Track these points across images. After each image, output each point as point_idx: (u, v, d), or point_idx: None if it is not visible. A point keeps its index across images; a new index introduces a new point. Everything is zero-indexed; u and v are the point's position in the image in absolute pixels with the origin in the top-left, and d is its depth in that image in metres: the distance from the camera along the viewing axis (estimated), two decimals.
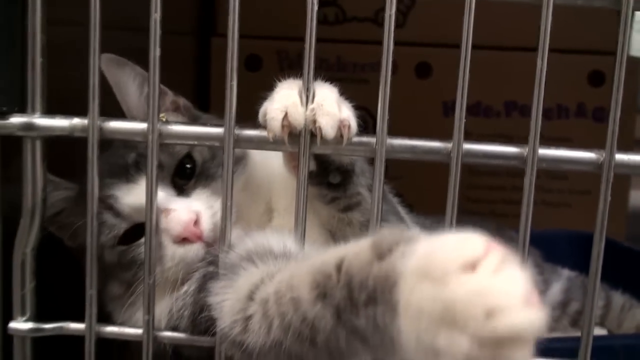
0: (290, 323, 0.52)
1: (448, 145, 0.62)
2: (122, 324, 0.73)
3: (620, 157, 0.62)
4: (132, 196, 0.74)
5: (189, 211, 0.72)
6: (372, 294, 0.47)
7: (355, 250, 0.50)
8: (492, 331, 0.39)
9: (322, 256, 0.54)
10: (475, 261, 0.41)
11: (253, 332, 0.56)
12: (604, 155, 0.61)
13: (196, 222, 0.71)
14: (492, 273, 0.40)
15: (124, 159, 0.76)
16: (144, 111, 0.74)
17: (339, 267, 0.50)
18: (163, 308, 0.71)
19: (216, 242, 0.69)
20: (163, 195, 0.72)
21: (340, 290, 0.49)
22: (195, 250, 0.71)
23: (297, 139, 0.62)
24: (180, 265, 0.71)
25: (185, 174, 0.76)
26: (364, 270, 0.48)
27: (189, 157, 0.76)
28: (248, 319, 0.57)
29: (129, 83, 0.79)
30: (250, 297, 0.58)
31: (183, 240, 0.71)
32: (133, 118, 0.78)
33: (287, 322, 0.53)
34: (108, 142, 0.75)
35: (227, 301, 0.60)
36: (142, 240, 0.74)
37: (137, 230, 0.74)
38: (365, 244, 0.50)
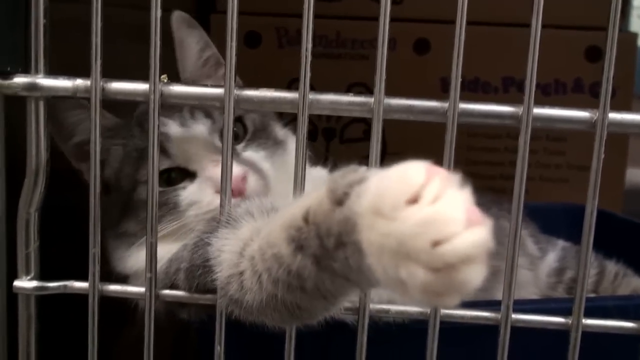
0: (278, 277, 0.54)
1: (444, 104, 0.62)
2: (120, 263, 0.78)
3: (613, 115, 0.62)
4: (181, 139, 0.79)
5: (240, 167, 0.75)
6: (339, 238, 0.49)
7: (317, 199, 0.52)
8: (442, 260, 0.40)
9: (292, 209, 0.55)
10: (418, 191, 0.42)
11: (248, 289, 0.58)
12: (597, 114, 0.62)
13: (244, 179, 0.75)
14: (433, 201, 0.42)
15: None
16: (197, 74, 0.85)
17: (306, 219, 0.52)
18: (169, 252, 0.73)
19: None
20: (211, 145, 0.78)
21: (312, 240, 0.51)
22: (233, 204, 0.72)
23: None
24: (212, 214, 0.73)
25: (235, 136, 0.80)
26: (328, 218, 0.50)
27: (239, 120, 0.82)
28: (241, 274, 0.59)
29: (192, 44, 0.85)
30: (241, 253, 0.60)
31: None
32: (186, 79, 0.85)
33: (275, 276, 0.54)
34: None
35: (225, 253, 0.62)
36: (182, 184, 0.79)
37: (178, 173, 0.79)
38: (324, 191, 0.51)
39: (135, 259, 0.78)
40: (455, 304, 0.42)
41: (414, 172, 0.44)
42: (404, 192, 0.43)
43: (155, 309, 0.68)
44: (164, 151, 0.78)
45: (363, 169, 0.51)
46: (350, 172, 0.51)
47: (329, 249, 0.50)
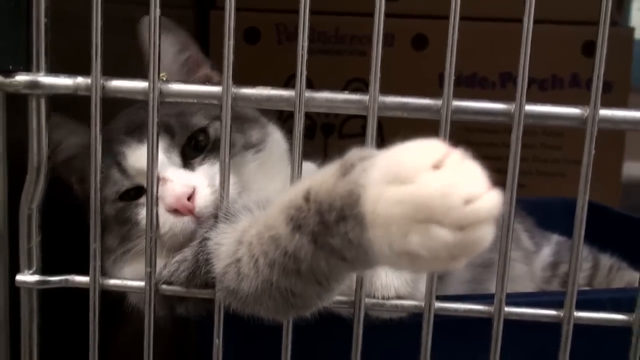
0: (274, 259, 0.55)
1: (438, 102, 0.63)
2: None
3: (604, 112, 0.64)
4: (138, 157, 0.76)
5: (184, 185, 0.73)
6: (341, 212, 0.50)
7: (321, 178, 0.53)
8: (475, 215, 0.44)
9: (290, 193, 0.56)
10: (440, 160, 0.45)
11: (244, 276, 0.59)
12: (588, 110, 0.63)
13: (191, 197, 0.72)
14: (458, 167, 0.45)
15: (140, 119, 0.77)
16: (174, 78, 0.77)
17: (307, 198, 0.53)
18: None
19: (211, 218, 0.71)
20: (166, 163, 0.75)
21: (312, 217, 0.52)
22: (185, 222, 0.72)
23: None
24: (169, 234, 0.72)
25: (197, 148, 0.78)
26: (331, 193, 0.51)
27: (203, 131, 0.78)
28: (238, 261, 0.60)
29: (166, 49, 0.78)
30: (240, 241, 0.61)
31: (175, 211, 0.72)
32: None
33: (271, 259, 0.56)
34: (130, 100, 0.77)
35: (223, 245, 0.63)
36: (141, 200, 0.77)
37: (138, 191, 0.77)
38: (332, 168, 0.53)
39: (120, 273, 0.77)
40: (462, 266, 0.46)
41: (435, 143, 0.47)
42: (429, 157, 0.46)
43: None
44: (122, 171, 0.77)
45: (376, 151, 0.52)
46: (363, 151, 0.53)
47: (329, 223, 0.51)
